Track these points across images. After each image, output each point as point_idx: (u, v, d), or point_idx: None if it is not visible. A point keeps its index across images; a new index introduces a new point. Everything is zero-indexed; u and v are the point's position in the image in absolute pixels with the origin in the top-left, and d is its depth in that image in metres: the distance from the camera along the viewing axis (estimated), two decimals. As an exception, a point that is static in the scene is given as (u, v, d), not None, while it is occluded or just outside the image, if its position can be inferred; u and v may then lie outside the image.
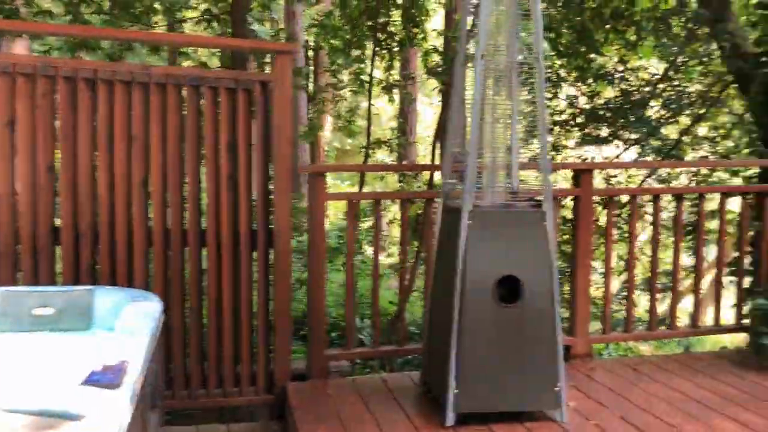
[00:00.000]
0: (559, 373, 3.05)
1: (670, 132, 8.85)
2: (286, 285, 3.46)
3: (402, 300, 4.51)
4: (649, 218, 6.47)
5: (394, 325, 5.99)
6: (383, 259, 10.76)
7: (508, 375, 3.04)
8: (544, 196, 3.08)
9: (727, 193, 4.25)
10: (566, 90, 9.38)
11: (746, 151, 7.91)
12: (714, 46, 8.37)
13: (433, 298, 3.42)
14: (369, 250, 12.19)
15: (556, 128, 8.86)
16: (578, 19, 8.61)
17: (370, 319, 6.05)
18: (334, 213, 13.16)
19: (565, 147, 8.72)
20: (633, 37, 8.51)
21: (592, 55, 8.83)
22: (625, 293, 6.80)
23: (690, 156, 8.59)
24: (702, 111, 8.34)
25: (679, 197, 4.10)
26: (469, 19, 3.29)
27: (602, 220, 5.88)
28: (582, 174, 3.90)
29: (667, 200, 4.71)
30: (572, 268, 3.95)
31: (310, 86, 13.54)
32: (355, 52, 8.37)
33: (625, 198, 6.04)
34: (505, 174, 3.19)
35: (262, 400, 3.55)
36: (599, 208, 5.97)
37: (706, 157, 8.35)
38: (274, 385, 3.52)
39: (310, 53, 16.06)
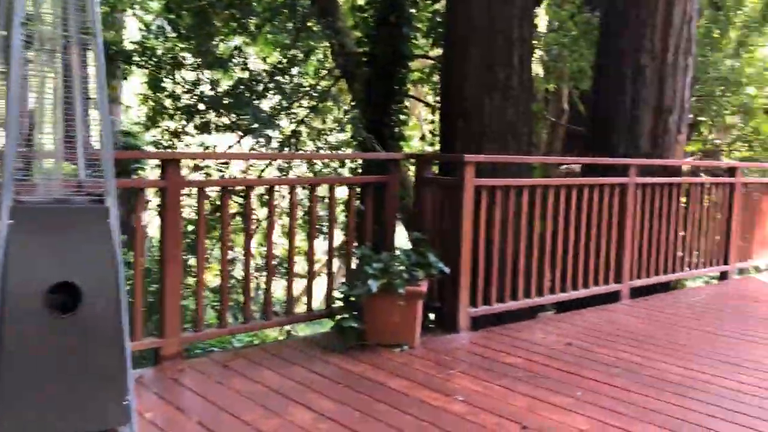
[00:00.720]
0: (128, 384, 2.76)
1: (289, 123, 9.17)
2: None
3: None
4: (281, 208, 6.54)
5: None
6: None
7: (66, 395, 2.64)
8: (106, 189, 2.75)
9: (335, 184, 4.43)
10: (191, 75, 9.09)
11: (355, 143, 8.59)
12: (326, 42, 8.91)
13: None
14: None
15: (178, 114, 8.53)
16: (199, 2, 8.39)
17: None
18: None
19: (186, 134, 8.43)
20: (252, 27, 8.60)
21: (214, 42, 8.71)
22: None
23: (308, 147, 9.02)
24: (315, 104, 8.80)
25: (271, 188, 4.13)
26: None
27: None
28: (168, 164, 3.65)
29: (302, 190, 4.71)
30: (161, 265, 3.68)
31: None
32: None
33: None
34: (63, 164, 2.78)
35: None
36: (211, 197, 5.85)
37: (321, 148, 8.84)
38: None
39: None
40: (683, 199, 6.25)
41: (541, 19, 9.37)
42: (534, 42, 7.05)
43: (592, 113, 6.97)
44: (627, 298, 5.64)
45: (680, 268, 6.27)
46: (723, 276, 6.82)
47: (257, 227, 7.48)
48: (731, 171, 6.86)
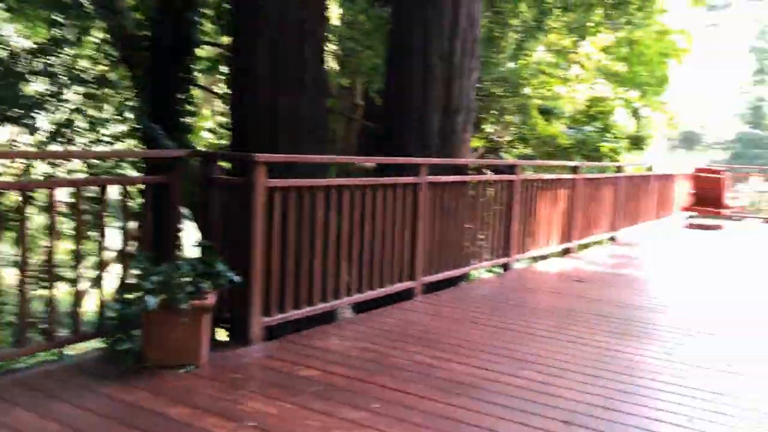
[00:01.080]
0: None
1: (62, 111, 8.20)
2: None
3: None
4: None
5: None
6: None
7: None
8: None
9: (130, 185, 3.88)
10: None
11: (139, 135, 7.87)
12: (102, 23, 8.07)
13: None
14: None
15: None
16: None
17: None
18: None
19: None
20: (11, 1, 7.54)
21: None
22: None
23: (83, 139, 8.13)
24: (92, 90, 7.95)
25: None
26: None
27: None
28: None
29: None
30: None
31: None
32: None
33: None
34: None
35: None
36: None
37: (99, 141, 8.01)
38: None
39: None
40: (471, 192, 6.48)
41: (334, 13, 9.27)
42: (327, 35, 6.90)
43: (384, 111, 6.99)
44: (420, 294, 5.72)
45: (468, 262, 6.51)
46: (506, 267, 7.22)
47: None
48: (511, 168, 7.27)
